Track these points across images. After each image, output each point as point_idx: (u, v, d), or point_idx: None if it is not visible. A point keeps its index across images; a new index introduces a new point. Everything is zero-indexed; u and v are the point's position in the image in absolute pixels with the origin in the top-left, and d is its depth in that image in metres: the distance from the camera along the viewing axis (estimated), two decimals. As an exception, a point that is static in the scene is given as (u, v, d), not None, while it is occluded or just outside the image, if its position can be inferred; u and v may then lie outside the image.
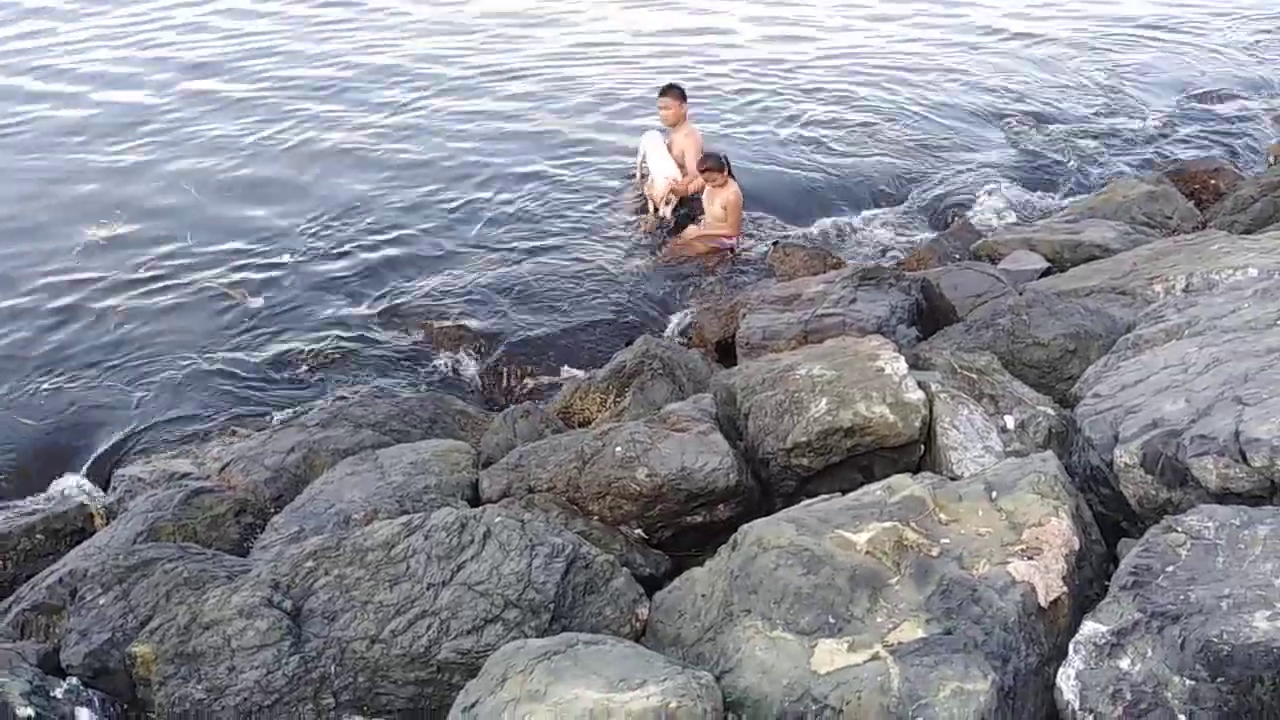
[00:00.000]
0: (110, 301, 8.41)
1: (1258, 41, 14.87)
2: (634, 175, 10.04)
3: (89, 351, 7.81)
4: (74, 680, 3.35)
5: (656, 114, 9.89)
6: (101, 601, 3.69)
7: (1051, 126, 11.72)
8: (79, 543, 4.86)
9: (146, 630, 3.43)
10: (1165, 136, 11.58)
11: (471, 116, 12.08)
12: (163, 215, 9.87)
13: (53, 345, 7.90)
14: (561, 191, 10.10)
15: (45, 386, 7.39)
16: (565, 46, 14.52)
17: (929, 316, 6.07)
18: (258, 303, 8.36)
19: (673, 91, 9.47)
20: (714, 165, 8.70)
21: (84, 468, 6.49)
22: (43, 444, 6.75)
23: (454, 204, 9.95)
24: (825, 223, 9.55)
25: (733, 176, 8.79)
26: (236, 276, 8.68)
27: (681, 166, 9.32)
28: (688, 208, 9.53)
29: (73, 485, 6.24)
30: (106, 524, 5.06)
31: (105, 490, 5.96)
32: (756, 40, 14.79)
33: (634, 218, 9.61)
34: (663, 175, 9.22)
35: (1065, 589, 2.82)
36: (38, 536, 5.11)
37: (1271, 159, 9.82)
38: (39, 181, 10.57)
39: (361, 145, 11.30)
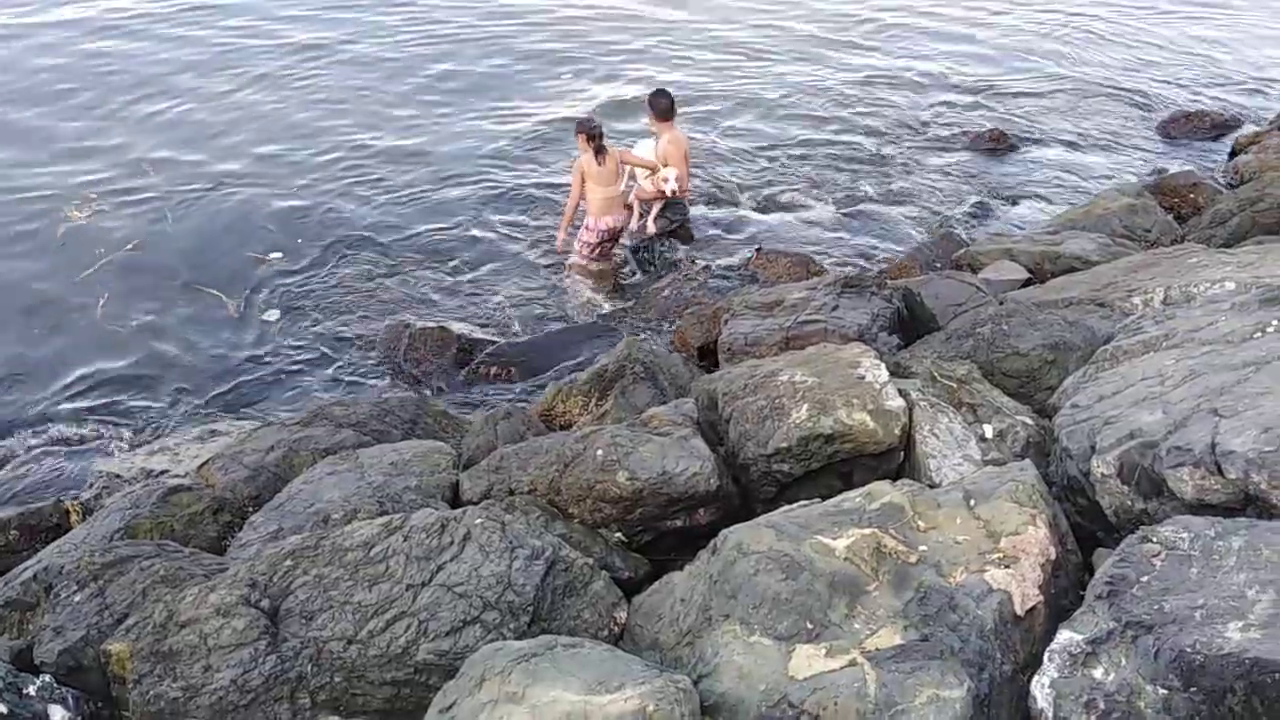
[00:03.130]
0: (89, 295, 8.38)
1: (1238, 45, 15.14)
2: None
3: (64, 343, 7.77)
4: (47, 677, 3.33)
5: (646, 121, 9.93)
6: (77, 598, 3.68)
7: (1032, 139, 11.83)
8: (54, 539, 4.83)
9: (122, 628, 3.41)
10: (1144, 148, 11.71)
11: (452, 122, 12.11)
12: (144, 206, 9.86)
13: (30, 337, 7.86)
14: (547, 195, 10.11)
15: (20, 379, 7.34)
16: (559, 50, 14.55)
17: (910, 325, 6.10)
18: (242, 303, 8.34)
19: (650, 99, 9.48)
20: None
21: (62, 463, 6.44)
22: (20, 440, 6.70)
23: (436, 208, 9.96)
24: (808, 230, 9.59)
25: (593, 148, 8.59)
26: (222, 279, 8.64)
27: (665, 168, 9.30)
28: (675, 213, 9.55)
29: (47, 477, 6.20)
30: (83, 520, 5.03)
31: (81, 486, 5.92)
32: (741, 45, 14.83)
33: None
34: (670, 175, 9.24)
35: (1041, 598, 2.84)
36: (12, 532, 5.09)
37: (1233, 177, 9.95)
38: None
39: (348, 149, 11.29)
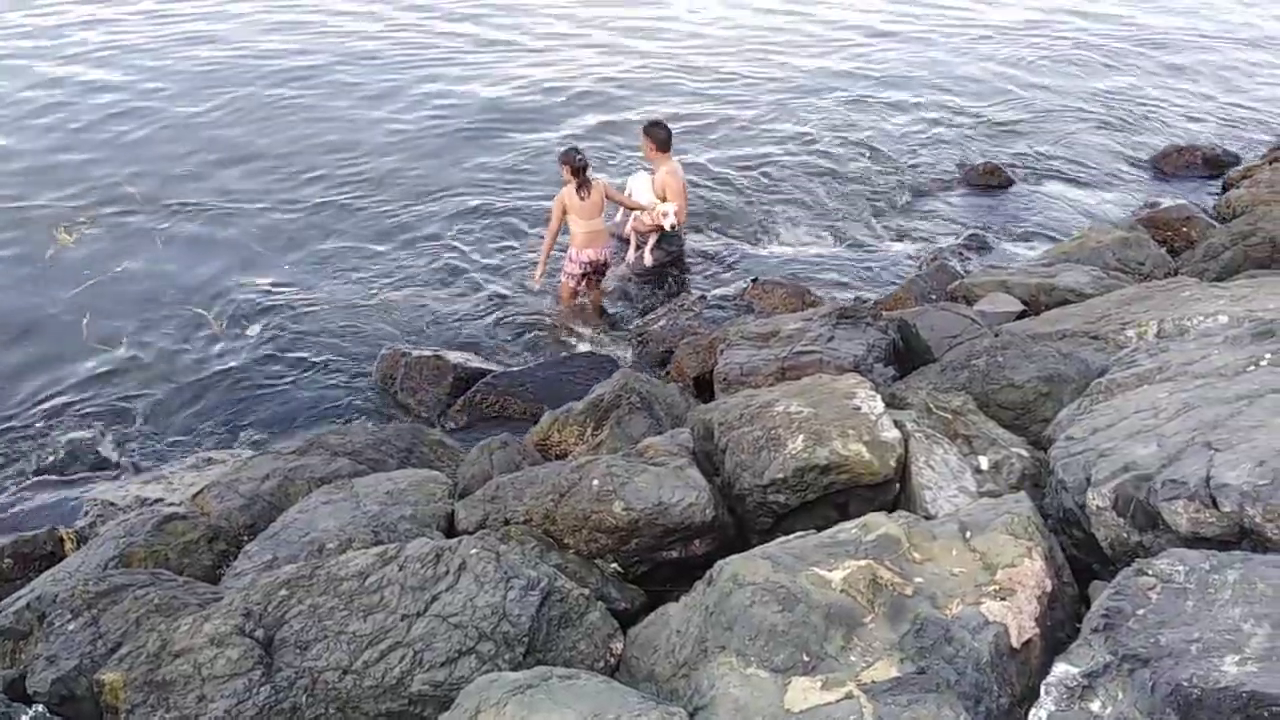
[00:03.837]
0: (77, 319, 8.40)
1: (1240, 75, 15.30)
2: (616, 216, 10.03)
3: (55, 369, 7.77)
4: (40, 707, 3.32)
5: (640, 149, 10.00)
6: (70, 627, 3.66)
7: (1026, 172, 11.91)
8: (48, 567, 4.81)
9: (115, 657, 3.40)
10: (1136, 182, 11.81)
11: (450, 151, 12.18)
12: (133, 229, 9.94)
13: (23, 361, 7.86)
14: (539, 225, 10.14)
15: (13, 408, 7.33)
16: (549, 74, 14.67)
17: (905, 356, 6.12)
18: (234, 328, 8.36)
19: (648, 130, 9.50)
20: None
21: (56, 491, 6.41)
22: (13, 467, 6.68)
23: (432, 236, 10.00)
24: (803, 261, 9.63)
25: (577, 181, 8.54)
26: (213, 305, 8.69)
27: (663, 200, 9.34)
28: (672, 244, 9.60)
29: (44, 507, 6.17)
30: (77, 549, 5.01)
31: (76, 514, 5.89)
32: (736, 83, 14.94)
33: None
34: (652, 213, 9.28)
35: (1037, 630, 2.84)
36: (6, 560, 5.07)
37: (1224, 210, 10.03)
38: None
39: (337, 173, 11.37)
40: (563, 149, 9.06)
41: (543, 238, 8.96)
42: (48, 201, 10.29)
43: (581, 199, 8.51)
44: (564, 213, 8.62)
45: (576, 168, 8.50)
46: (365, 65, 14.71)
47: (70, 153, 11.53)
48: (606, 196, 8.79)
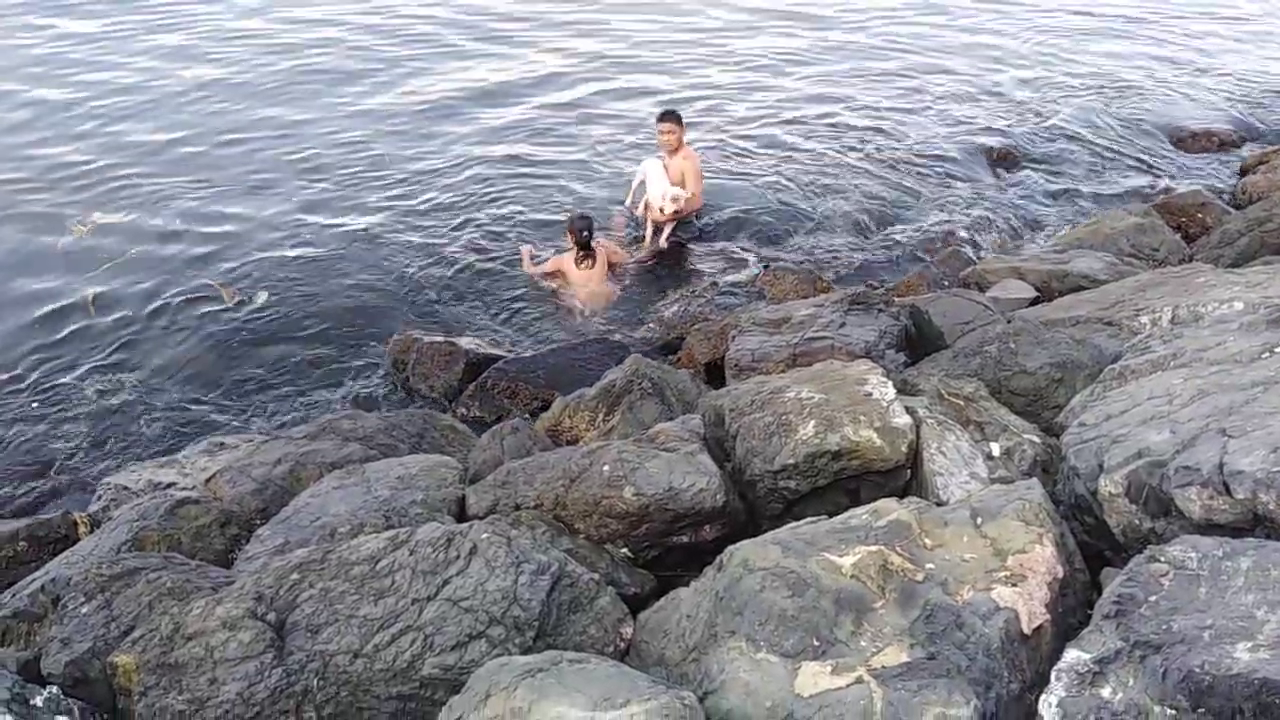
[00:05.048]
0: (89, 306, 8.46)
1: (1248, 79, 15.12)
2: (625, 201, 10.02)
3: (72, 355, 7.81)
4: (54, 689, 3.33)
5: (654, 138, 9.95)
6: (84, 610, 3.68)
7: (1040, 157, 11.84)
8: (62, 550, 4.84)
9: (128, 640, 3.42)
10: (1151, 167, 11.72)
11: (462, 134, 12.17)
12: (154, 210, 9.96)
13: (37, 347, 7.90)
14: (553, 214, 10.13)
15: (27, 393, 7.37)
16: (563, 68, 14.63)
17: (917, 342, 6.10)
18: (246, 309, 8.39)
19: (672, 117, 9.45)
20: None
21: (69, 475, 6.46)
22: (27, 452, 6.72)
23: (446, 221, 9.99)
24: (815, 248, 9.60)
25: (577, 254, 8.68)
26: (228, 278, 8.73)
27: (680, 187, 9.32)
28: (686, 231, 9.59)
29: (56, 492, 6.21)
30: (91, 532, 5.04)
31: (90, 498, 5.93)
32: (746, 63, 14.88)
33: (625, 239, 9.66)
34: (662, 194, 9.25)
35: (1048, 616, 2.84)
36: (21, 543, 5.09)
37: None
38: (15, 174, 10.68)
39: (352, 159, 11.37)
40: (572, 215, 9.02)
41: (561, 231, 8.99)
42: (64, 195, 10.31)
43: (580, 268, 8.62)
44: (557, 272, 8.72)
45: (580, 240, 8.55)
46: (380, 41, 14.71)
47: (80, 144, 11.54)
48: (609, 262, 8.85)
